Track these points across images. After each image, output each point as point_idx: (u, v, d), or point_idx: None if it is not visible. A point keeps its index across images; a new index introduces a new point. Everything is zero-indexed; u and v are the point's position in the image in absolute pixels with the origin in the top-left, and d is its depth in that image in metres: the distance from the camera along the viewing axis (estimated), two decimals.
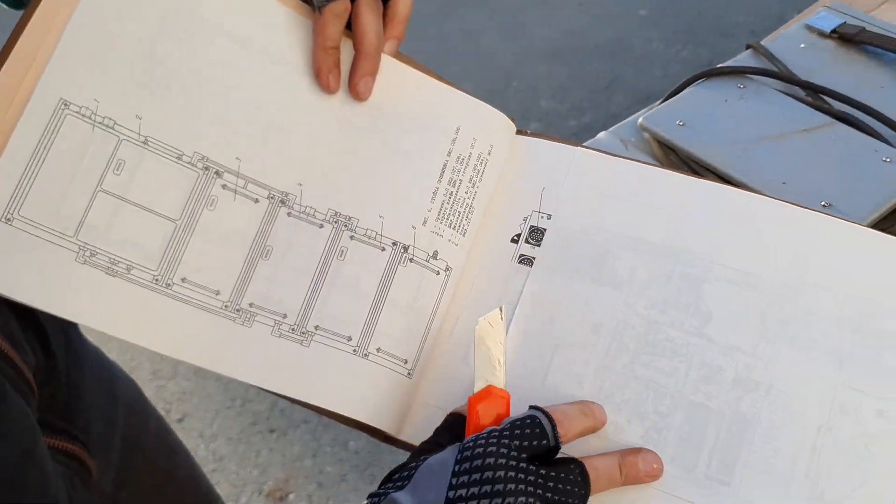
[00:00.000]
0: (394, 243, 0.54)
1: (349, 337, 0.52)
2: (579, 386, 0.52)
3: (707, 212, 0.55)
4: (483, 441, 0.43)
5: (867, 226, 0.62)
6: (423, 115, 0.56)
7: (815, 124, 0.70)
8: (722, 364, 0.51)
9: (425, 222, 0.55)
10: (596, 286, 0.54)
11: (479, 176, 0.58)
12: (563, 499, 0.43)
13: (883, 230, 0.61)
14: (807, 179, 0.66)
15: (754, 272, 0.52)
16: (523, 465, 0.42)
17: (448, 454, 0.44)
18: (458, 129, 0.57)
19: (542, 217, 0.57)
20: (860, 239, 0.53)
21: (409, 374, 0.53)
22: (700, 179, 0.57)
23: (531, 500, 0.41)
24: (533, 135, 0.61)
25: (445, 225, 0.56)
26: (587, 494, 0.44)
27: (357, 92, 0.54)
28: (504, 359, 0.48)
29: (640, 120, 0.73)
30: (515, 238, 0.57)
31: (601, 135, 0.75)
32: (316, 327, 0.52)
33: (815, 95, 0.75)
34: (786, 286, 0.52)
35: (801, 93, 0.76)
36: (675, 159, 0.70)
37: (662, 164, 0.70)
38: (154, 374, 1.80)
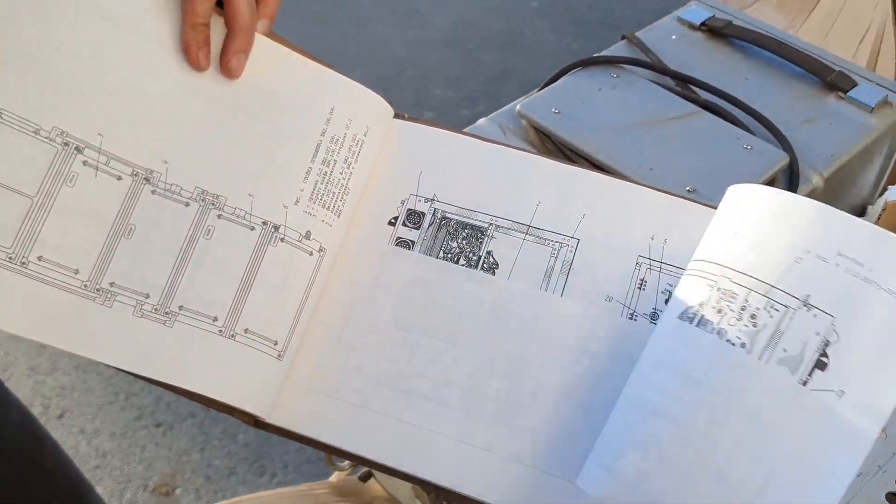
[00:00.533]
0: (264, 223, 0.53)
1: (215, 317, 0.51)
2: (446, 369, 0.53)
3: (578, 197, 0.57)
4: None
5: None
6: (295, 94, 0.56)
7: (683, 112, 0.73)
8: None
9: (297, 202, 0.54)
10: (472, 270, 0.55)
11: (355, 157, 0.57)
12: None
13: None
14: (673, 165, 0.68)
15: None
16: None
17: None
18: (332, 109, 0.57)
19: (420, 200, 0.58)
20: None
21: (279, 355, 0.53)
22: (570, 165, 0.59)
23: None
24: (411, 119, 0.61)
25: (319, 205, 0.55)
26: None
27: (229, 69, 0.53)
28: None
29: (517, 107, 0.74)
30: (392, 221, 0.58)
31: (481, 121, 0.76)
32: (180, 307, 0.50)
33: (683, 85, 0.78)
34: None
35: (670, 82, 0.79)
36: (551, 146, 0.72)
37: (538, 151, 0.72)
38: (31, 369, 1.71)
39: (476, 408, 0.52)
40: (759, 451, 0.45)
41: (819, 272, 0.46)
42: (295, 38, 0.57)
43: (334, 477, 0.89)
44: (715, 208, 0.56)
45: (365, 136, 0.58)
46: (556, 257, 0.56)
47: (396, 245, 0.57)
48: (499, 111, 0.76)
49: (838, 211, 0.48)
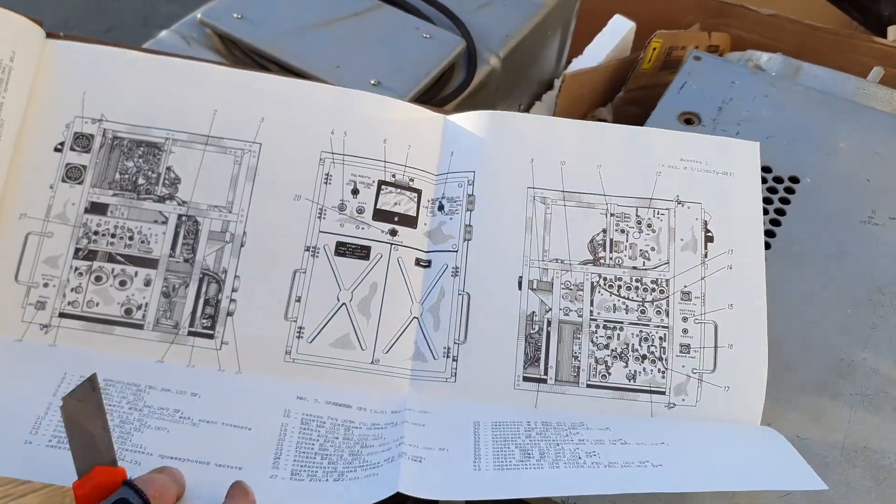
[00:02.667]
0: None
1: None
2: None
3: (254, 102, 0.57)
4: None
5: (411, 99, 0.69)
6: None
7: (364, 7, 0.75)
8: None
9: None
10: (155, 188, 0.55)
11: (4, 86, 0.53)
12: None
13: (426, 101, 0.68)
14: (358, 61, 0.70)
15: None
16: None
17: None
18: None
19: (87, 122, 0.56)
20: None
21: None
22: (244, 70, 0.59)
23: None
24: (67, 37, 0.58)
25: None
26: None
27: None
28: (110, 431, 0.41)
29: (198, 16, 0.72)
30: (59, 147, 0.55)
31: (163, 34, 0.73)
32: None
33: None
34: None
35: None
36: (239, 53, 0.71)
37: (226, 59, 0.71)
38: None
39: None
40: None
41: (676, 177, 0.59)
42: None
43: None
44: (396, 98, 0.60)
45: (12, 61, 0.54)
46: (240, 164, 0.56)
47: (67, 172, 0.54)
48: (181, 21, 0.74)
49: (672, 131, 0.61)
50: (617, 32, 0.95)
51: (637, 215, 0.58)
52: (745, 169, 0.60)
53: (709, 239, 0.58)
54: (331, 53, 0.70)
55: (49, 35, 0.57)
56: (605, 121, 0.87)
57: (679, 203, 0.59)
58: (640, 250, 0.58)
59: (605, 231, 0.58)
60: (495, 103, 0.79)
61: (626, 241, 0.58)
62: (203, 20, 0.71)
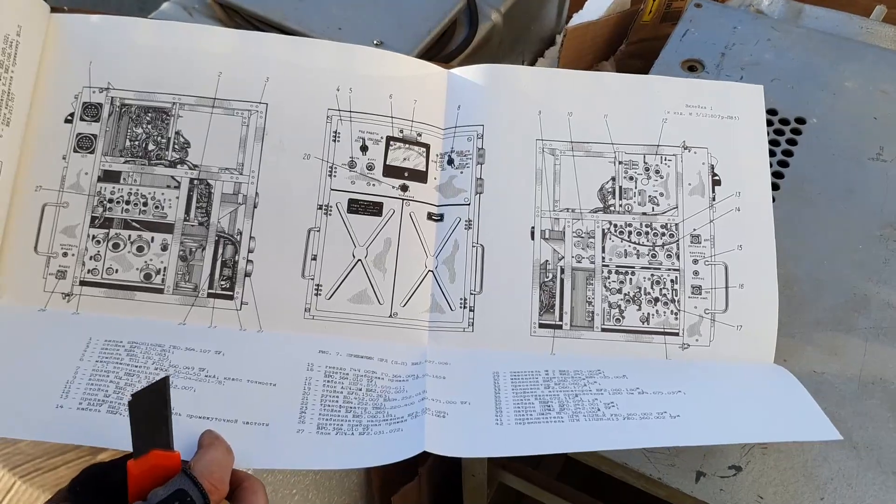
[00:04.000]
0: None
1: None
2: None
3: (249, 61, 0.58)
4: None
5: (415, 56, 0.69)
6: None
7: None
8: None
9: None
10: (165, 153, 0.55)
11: (12, 60, 0.54)
12: None
13: (430, 59, 0.68)
14: (360, 21, 0.70)
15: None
16: None
17: None
18: None
19: (95, 91, 0.56)
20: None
21: None
22: (246, 31, 0.59)
23: None
24: (72, 10, 0.58)
25: None
26: None
27: None
28: (171, 420, 0.41)
29: None
30: (69, 118, 0.55)
31: (165, 5, 0.73)
32: None
33: None
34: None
35: None
36: (240, 20, 0.71)
37: (227, 27, 0.71)
38: None
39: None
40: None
41: (681, 123, 0.60)
42: None
43: None
44: (401, 53, 0.60)
45: (18, 35, 0.54)
46: (247, 125, 0.57)
47: (78, 143, 0.55)
48: None
49: (676, 78, 0.63)
50: None
51: (645, 162, 0.59)
52: (749, 112, 0.60)
53: (716, 182, 0.58)
54: (332, 15, 0.70)
55: (53, 10, 0.57)
56: None
57: (685, 148, 0.59)
58: (649, 196, 0.58)
59: (613, 179, 0.59)
60: (498, 60, 0.79)
61: (635, 187, 0.58)
62: None
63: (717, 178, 0.58)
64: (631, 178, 0.58)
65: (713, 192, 0.58)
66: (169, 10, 0.72)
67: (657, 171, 0.59)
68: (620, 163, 0.59)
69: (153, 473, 0.39)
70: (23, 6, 0.55)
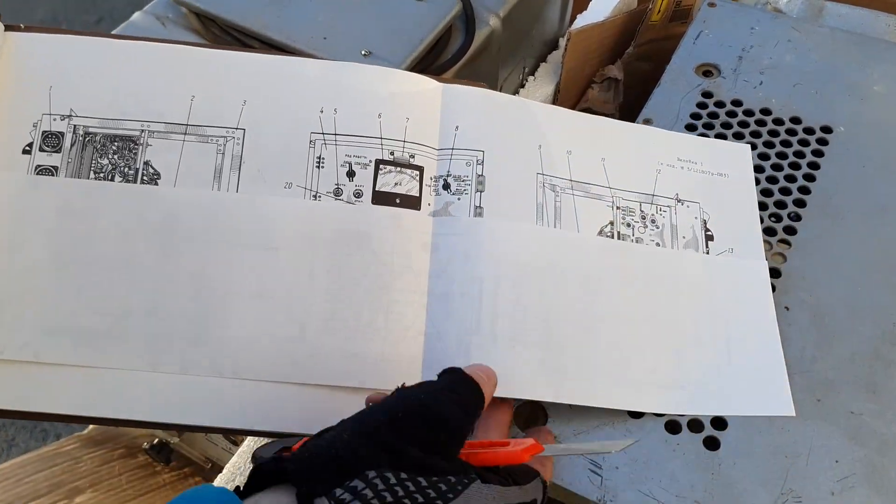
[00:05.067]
0: None
1: None
2: (122, 299, 0.48)
3: (229, 82, 0.53)
4: None
5: (406, 68, 0.64)
6: None
7: None
8: None
9: None
10: (130, 185, 0.50)
11: None
12: None
13: (422, 70, 0.63)
14: (347, 30, 0.65)
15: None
16: None
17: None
18: None
19: (56, 119, 0.51)
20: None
21: None
22: (219, 50, 0.54)
23: None
24: (28, 29, 0.53)
25: None
26: None
27: None
28: None
29: None
30: (28, 148, 0.50)
31: (136, 16, 0.68)
32: None
33: None
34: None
35: None
36: (218, 31, 0.66)
37: (205, 38, 0.66)
38: None
39: (165, 333, 0.48)
40: (709, 315, 0.54)
41: (674, 175, 0.59)
42: None
43: (88, 428, 0.83)
44: (389, 68, 0.55)
45: None
46: (223, 153, 0.51)
47: (37, 174, 0.50)
48: (154, 1, 0.69)
49: (667, 132, 0.61)
50: None
51: (641, 210, 0.56)
52: (738, 170, 0.60)
53: (709, 237, 0.57)
54: (317, 24, 0.65)
55: (8, 28, 0.52)
56: (615, 79, 0.82)
57: (678, 201, 0.58)
58: (646, 245, 0.55)
59: (612, 223, 0.55)
60: (498, 67, 0.74)
61: (633, 235, 0.55)
62: None
63: (709, 233, 0.57)
64: (628, 225, 0.56)
65: (706, 247, 0.56)
66: (140, 21, 0.67)
67: (653, 221, 0.56)
68: (618, 208, 0.56)
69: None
70: None
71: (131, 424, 0.49)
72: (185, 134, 0.51)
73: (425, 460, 0.36)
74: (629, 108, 0.80)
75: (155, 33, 0.65)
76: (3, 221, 0.49)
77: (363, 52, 0.63)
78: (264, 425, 0.48)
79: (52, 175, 0.50)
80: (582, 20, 0.84)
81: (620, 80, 0.82)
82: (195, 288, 0.49)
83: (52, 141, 0.51)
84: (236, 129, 0.52)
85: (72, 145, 0.51)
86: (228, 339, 0.48)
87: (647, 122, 0.64)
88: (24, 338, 0.47)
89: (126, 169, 0.50)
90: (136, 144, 0.51)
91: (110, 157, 0.51)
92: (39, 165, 0.50)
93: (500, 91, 0.76)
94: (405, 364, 0.49)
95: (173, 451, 0.83)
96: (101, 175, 0.50)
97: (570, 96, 0.83)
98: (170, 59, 0.53)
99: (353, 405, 0.42)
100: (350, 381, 0.48)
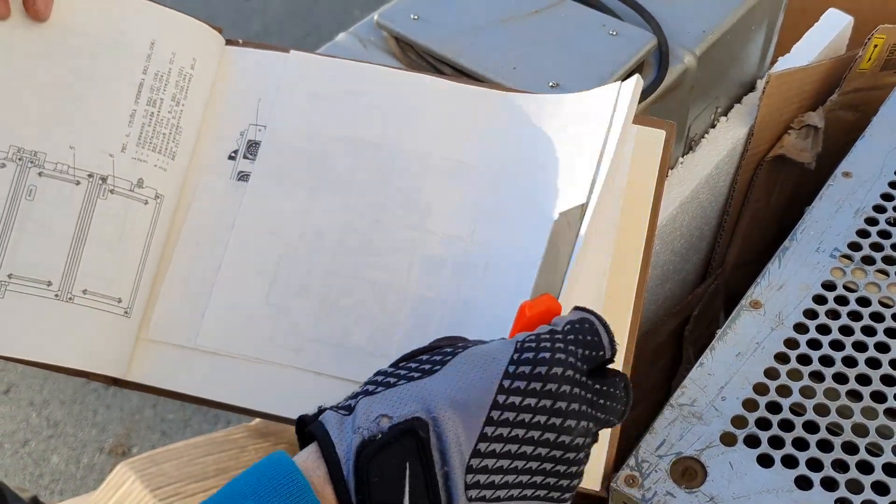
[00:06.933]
0: (90, 175, 0.50)
1: (49, 282, 0.48)
2: (306, 297, 0.51)
3: (419, 105, 0.54)
4: (547, 345, 0.38)
5: None
6: (108, 32, 0.52)
7: (546, 4, 0.70)
8: (443, 254, 0.51)
9: (124, 149, 0.51)
10: (315, 193, 0.53)
11: (184, 93, 0.54)
12: (608, 416, 0.40)
13: None
14: (536, 61, 0.65)
15: (467, 161, 0.53)
16: (584, 379, 0.39)
17: (498, 348, 0.39)
18: (152, 44, 0.53)
19: (259, 129, 0.55)
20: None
21: (125, 312, 0.50)
22: (410, 73, 0.56)
23: (584, 421, 0.38)
24: (246, 44, 0.57)
25: (149, 149, 0.52)
26: (626, 411, 0.41)
27: (36, 11, 0.49)
28: (567, 267, 0.44)
29: (375, 17, 0.70)
30: (233, 154, 0.55)
31: (340, 36, 0.72)
32: (9, 276, 0.47)
33: None
34: (496, 170, 0.52)
35: None
36: (414, 55, 0.68)
37: (401, 62, 0.69)
38: None
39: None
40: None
41: None
42: None
43: (255, 420, 0.88)
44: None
45: (192, 69, 0.54)
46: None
47: (238, 180, 0.54)
48: (359, 24, 0.72)
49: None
50: (831, 28, 0.84)
51: None
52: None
53: None
54: (508, 54, 0.66)
55: (228, 42, 0.57)
56: (815, 127, 0.77)
57: None
58: None
59: None
60: (689, 106, 0.72)
61: None
62: (380, 22, 0.70)
63: None
64: None
65: None
66: (344, 42, 0.71)
67: None
68: None
69: (541, 318, 0.41)
70: (200, 38, 0.55)
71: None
72: (370, 151, 0.54)
73: None
74: (829, 158, 0.76)
75: (356, 54, 0.69)
76: (209, 222, 0.53)
77: (550, 84, 0.63)
78: None
79: (248, 181, 0.54)
80: (784, 63, 0.81)
81: (821, 128, 0.78)
82: (376, 294, 0.51)
83: (254, 149, 0.55)
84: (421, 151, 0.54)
85: (266, 154, 0.54)
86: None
87: (846, 175, 0.60)
88: (215, 330, 0.51)
89: (311, 177, 0.53)
90: (322, 157, 0.54)
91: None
92: (241, 171, 0.54)
93: (689, 130, 0.74)
94: None
95: None
96: (286, 181, 0.54)
97: (764, 141, 0.79)
98: (364, 78, 0.55)
99: None
100: None
